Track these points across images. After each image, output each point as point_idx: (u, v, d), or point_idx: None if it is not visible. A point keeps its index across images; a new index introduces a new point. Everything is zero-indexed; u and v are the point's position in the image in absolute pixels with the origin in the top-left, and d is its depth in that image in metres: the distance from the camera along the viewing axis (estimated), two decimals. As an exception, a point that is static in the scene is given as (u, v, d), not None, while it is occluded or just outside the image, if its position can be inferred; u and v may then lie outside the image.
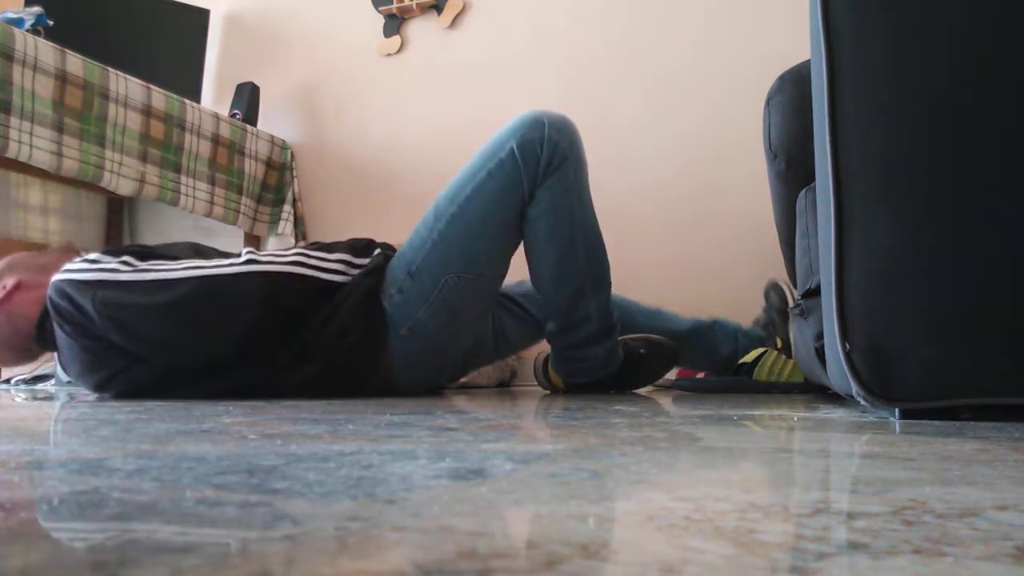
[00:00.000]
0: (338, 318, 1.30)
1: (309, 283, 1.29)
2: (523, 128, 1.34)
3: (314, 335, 1.29)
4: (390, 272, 1.37)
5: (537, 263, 1.42)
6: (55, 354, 1.38)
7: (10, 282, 1.34)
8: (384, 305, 1.35)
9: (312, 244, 1.39)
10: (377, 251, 1.40)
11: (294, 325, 1.29)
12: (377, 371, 1.35)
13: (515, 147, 1.33)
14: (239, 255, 1.30)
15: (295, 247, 1.36)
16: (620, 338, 1.53)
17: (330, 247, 1.38)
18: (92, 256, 1.28)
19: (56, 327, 1.26)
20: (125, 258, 1.27)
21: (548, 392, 1.58)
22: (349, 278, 1.33)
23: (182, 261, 1.28)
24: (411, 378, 1.38)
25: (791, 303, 1.62)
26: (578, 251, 1.40)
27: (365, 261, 1.37)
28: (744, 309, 1.84)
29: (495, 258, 1.39)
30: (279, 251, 1.34)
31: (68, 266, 1.27)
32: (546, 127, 1.34)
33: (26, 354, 1.39)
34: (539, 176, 1.34)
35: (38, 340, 1.33)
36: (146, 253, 1.32)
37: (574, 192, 1.37)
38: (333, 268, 1.33)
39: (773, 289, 1.69)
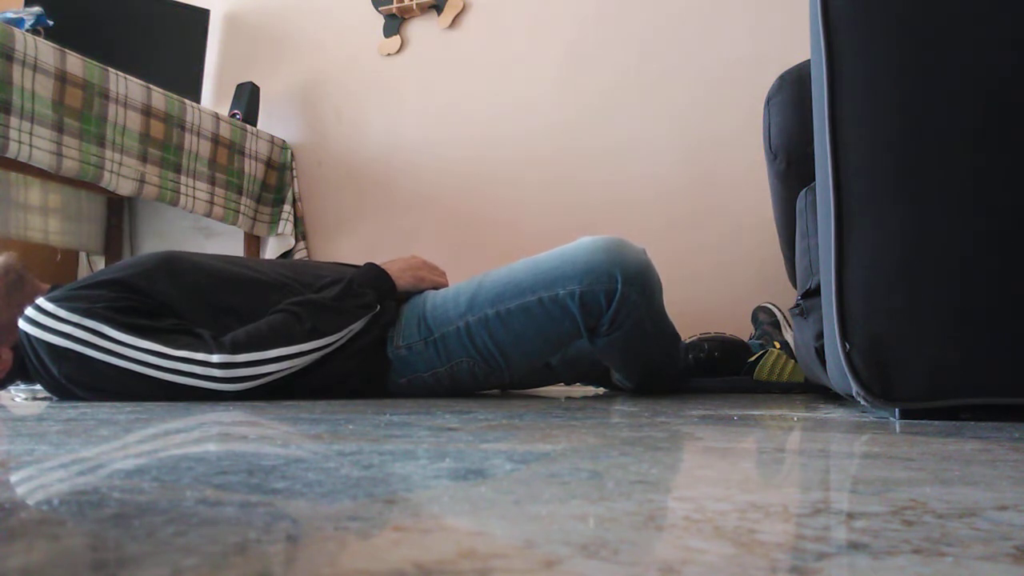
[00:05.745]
0: (338, 362, 1.26)
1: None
2: (590, 276, 1.21)
3: (311, 377, 1.24)
4: (404, 323, 1.31)
5: (606, 361, 1.39)
6: None
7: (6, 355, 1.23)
8: (388, 353, 1.30)
9: (307, 302, 1.24)
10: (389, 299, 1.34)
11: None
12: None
13: (577, 293, 1.21)
14: (216, 349, 1.15)
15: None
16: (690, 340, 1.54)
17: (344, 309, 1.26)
18: (62, 311, 1.15)
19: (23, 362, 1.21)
20: (101, 327, 1.13)
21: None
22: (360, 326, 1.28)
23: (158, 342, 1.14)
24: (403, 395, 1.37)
25: (779, 315, 1.72)
26: (653, 358, 1.36)
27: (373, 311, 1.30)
28: (742, 308, 1.84)
29: (520, 364, 1.32)
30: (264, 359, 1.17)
31: (44, 308, 1.15)
32: (619, 281, 1.21)
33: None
34: (602, 325, 1.24)
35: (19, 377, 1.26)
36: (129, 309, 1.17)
37: (648, 321, 1.27)
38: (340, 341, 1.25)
39: (759, 311, 1.77)
